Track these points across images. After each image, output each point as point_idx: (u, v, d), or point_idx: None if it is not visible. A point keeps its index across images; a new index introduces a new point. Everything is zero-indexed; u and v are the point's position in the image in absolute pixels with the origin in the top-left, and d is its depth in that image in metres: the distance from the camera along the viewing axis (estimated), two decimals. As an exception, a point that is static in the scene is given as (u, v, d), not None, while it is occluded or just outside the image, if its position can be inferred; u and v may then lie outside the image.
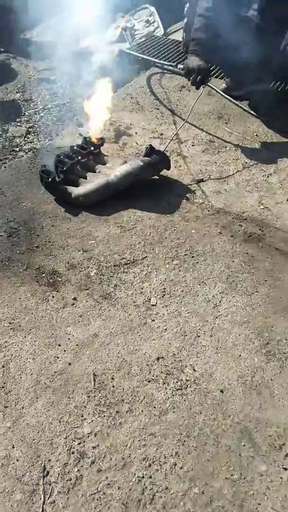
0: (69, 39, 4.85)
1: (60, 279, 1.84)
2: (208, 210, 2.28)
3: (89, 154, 2.37)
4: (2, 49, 4.83)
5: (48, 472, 1.28)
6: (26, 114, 3.74)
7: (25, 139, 3.35)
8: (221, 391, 1.52)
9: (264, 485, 1.30)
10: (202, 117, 2.96)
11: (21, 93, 3.99)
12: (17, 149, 3.03)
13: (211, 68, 2.96)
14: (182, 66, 2.63)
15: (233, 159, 2.62)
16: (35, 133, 3.41)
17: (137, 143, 2.70)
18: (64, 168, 2.22)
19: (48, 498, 1.23)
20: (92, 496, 1.23)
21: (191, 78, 2.58)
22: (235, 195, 2.38)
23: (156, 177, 2.44)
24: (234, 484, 1.29)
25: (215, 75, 3.24)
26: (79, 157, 2.32)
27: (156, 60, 3.02)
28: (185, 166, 2.55)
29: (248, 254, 2.05)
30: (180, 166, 2.55)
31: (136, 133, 2.78)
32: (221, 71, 3.20)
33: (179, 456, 1.34)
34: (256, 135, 2.83)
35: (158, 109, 3.01)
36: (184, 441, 1.38)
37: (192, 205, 2.29)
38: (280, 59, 2.54)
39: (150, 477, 1.29)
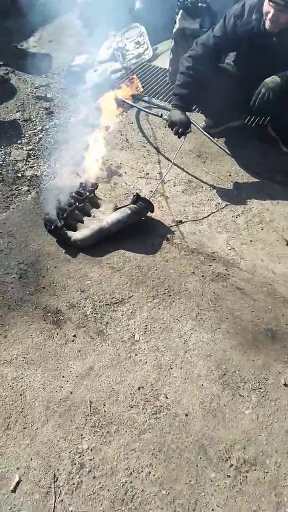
0: (64, 53, 5.20)
1: (62, 318, 2.31)
2: (184, 251, 2.74)
3: (85, 199, 2.79)
4: (1, 62, 5.11)
5: (57, 478, 1.79)
6: (26, 135, 4.11)
7: (26, 163, 3.75)
8: (186, 415, 2.03)
9: (213, 488, 1.82)
10: (184, 155, 3.38)
11: (21, 112, 4.36)
12: (20, 175, 3.40)
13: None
14: (166, 117, 3.05)
15: (208, 199, 3.07)
16: (35, 157, 3.80)
17: (126, 183, 3.13)
18: (65, 215, 2.64)
19: (58, 497, 1.74)
20: (90, 496, 1.75)
21: (173, 129, 3.00)
22: (207, 236, 2.84)
23: (142, 218, 2.87)
24: (191, 488, 1.81)
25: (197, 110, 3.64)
26: (77, 203, 2.74)
27: (145, 110, 3.42)
28: (167, 207, 3.00)
29: (215, 293, 2.53)
30: (162, 206, 2.99)
31: (125, 172, 3.20)
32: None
33: (152, 466, 1.86)
34: (229, 174, 3.27)
35: (145, 147, 3.43)
36: (157, 455, 1.89)
37: (171, 246, 2.75)
38: (255, 102, 2.95)
39: (131, 482, 1.81)
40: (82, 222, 2.71)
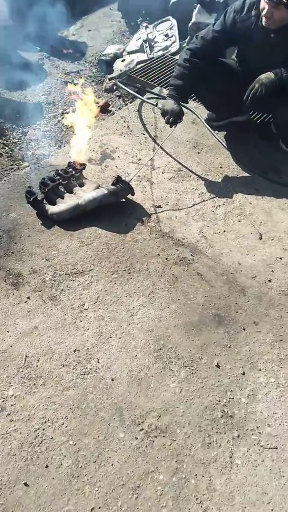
0: (99, 42, 5.41)
1: (22, 281, 2.51)
2: (156, 234, 2.87)
3: (70, 177, 2.97)
4: (38, 48, 5.39)
5: (-22, 417, 1.99)
6: (46, 117, 4.34)
7: (39, 143, 3.98)
8: (112, 380, 2.17)
9: (118, 446, 1.96)
10: (179, 145, 3.50)
11: (46, 96, 4.60)
12: (30, 153, 3.62)
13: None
14: (159, 106, 3.18)
15: (193, 188, 3.17)
16: (49, 138, 4.01)
17: (116, 166, 3.28)
18: (46, 190, 2.84)
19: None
20: (1, 435, 1.94)
21: (165, 118, 3.13)
22: (182, 222, 2.95)
23: (123, 200, 3.02)
24: (97, 442, 1.96)
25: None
26: (60, 180, 2.93)
27: (139, 96, 3.55)
28: (150, 191, 3.13)
29: (174, 276, 2.65)
30: (146, 191, 3.13)
31: (118, 157, 3.36)
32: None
33: (67, 419, 2.01)
34: (221, 167, 3.35)
35: (144, 134, 3.57)
36: (74, 410, 2.05)
37: (144, 228, 2.89)
38: (248, 96, 3.02)
39: (44, 430, 1.98)
40: (63, 198, 2.88)
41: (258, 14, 2.95)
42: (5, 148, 3.77)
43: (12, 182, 3.06)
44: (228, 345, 2.31)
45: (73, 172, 2.99)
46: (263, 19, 2.87)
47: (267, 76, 2.97)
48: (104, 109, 4.30)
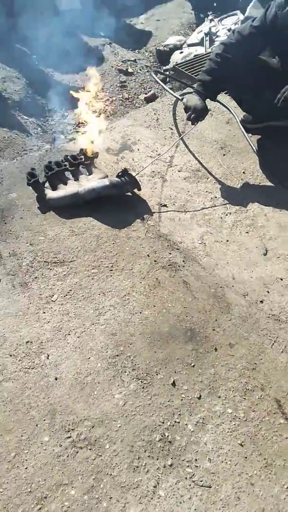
0: (165, 32, 5.26)
1: (-2, 262, 2.46)
2: (152, 234, 2.70)
3: (79, 164, 2.87)
4: (102, 34, 5.34)
5: None
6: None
7: (75, 127, 3.92)
8: (56, 379, 2.06)
9: (38, 450, 1.85)
10: (206, 144, 3.29)
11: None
12: (62, 136, 3.56)
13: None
14: (184, 101, 2.99)
15: (206, 191, 2.97)
16: (86, 123, 3.92)
17: (133, 159, 3.15)
18: (49, 174, 2.76)
19: None
20: None
21: (186, 114, 2.94)
22: (185, 225, 2.76)
23: (129, 193, 2.88)
24: (19, 442, 1.86)
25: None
26: (67, 166, 2.83)
27: (166, 88, 3.37)
28: (160, 189, 2.96)
29: (157, 280, 2.48)
30: (155, 188, 2.96)
31: (138, 149, 3.22)
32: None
33: (-4, 411, 1.93)
34: (244, 172, 3.11)
35: (171, 129, 3.39)
36: (6, 403, 1.96)
37: (142, 226, 2.73)
38: (279, 99, 2.75)
39: None
40: (66, 184, 2.79)
41: None
42: (37, 129, 3.73)
43: (24, 163, 3.02)
44: (192, 364, 2.12)
45: (83, 160, 2.86)
46: None
47: None
48: (150, 101, 4.14)
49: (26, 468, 1.77)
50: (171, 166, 3.07)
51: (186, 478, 1.79)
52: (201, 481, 1.79)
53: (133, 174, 2.77)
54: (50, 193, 2.73)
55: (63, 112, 4.10)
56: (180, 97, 3.14)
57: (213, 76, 2.90)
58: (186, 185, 2.98)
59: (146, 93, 4.49)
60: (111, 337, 2.20)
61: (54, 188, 2.78)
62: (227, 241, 2.67)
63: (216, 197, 2.92)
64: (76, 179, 2.86)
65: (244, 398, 2.02)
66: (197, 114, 2.90)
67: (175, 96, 3.27)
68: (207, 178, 3.04)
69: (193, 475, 1.80)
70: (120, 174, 2.73)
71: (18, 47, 4.90)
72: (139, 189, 2.81)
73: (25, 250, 2.51)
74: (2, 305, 2.25)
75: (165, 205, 2.80)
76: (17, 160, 3.08)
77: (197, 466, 1.82)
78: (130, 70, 4.75)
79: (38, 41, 4.80)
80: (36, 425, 1.89)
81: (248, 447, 1.87)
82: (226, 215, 2.82)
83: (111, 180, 2.73)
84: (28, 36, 4.85)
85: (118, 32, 5.38)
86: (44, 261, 2.47)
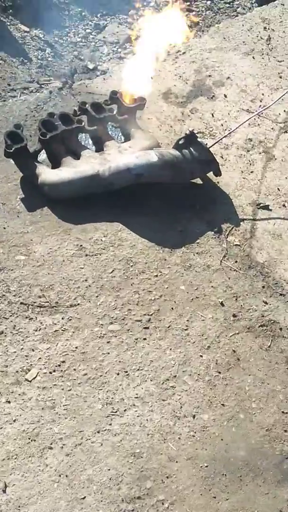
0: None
1: None
2: (236, 261, 1.88)
3: (106, 120, 2.00)
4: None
5: None
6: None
7: (118, 49, 2.81)
8: None
9: None
10: None
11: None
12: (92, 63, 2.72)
13: None
14: None
15: None
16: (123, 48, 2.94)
17: (213, 114, 2.25)
18: (47, 137, 1.88)
19: None
20: None
21: None
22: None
23: (193, 180, 1.95)
24: None
25: None
26: (83, 123, 1.96)
27: None
28: (259, 174, 2.05)
29: (234, 354, 1.57)
30: (250, 172, 2.15)
31: (225, 95, 2.34)
32: None
33: None
34: None
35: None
36: None
37: (217, 244, 1.89)
38: None
39: None
40: (78, 156, 1.92)
41: None
42: (43, 51, 2.76)
43: (6, 114, 2.09)
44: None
45: (113, 113, 2.02)
46: None
47: None
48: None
49: None
50: (286, 132, 2.17)
51: None
52: None
53: (209, 143, 2.00)
54: (45, 173, 1.86)
55: (96, 21, 2.99)
56: None
57: None
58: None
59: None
60: (131, 461, 1.37)
61: (55, 164, 1.95)
62: None
63: None
64: (99, 148, 2.02)
65: None
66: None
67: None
68: None
69: None
70: (182, 141, 1.91)
71: None
72: (217, 174, 1.96)
73: (-15, 279, 1.78)
74: None
75: (265, 207, 2.00)
76: (11, 103, 2.23)
77: None
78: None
79: None
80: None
81: None
82: None
83: (162, 153, 1.86)
84: None
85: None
86: (21, 303, 1.62)
